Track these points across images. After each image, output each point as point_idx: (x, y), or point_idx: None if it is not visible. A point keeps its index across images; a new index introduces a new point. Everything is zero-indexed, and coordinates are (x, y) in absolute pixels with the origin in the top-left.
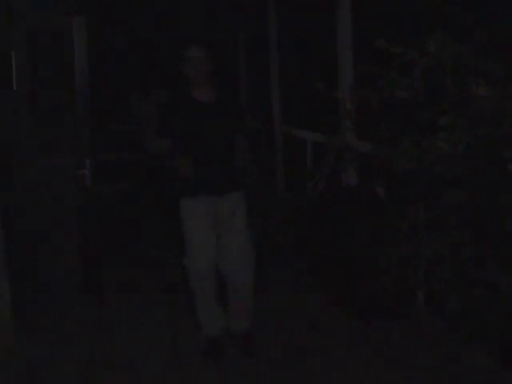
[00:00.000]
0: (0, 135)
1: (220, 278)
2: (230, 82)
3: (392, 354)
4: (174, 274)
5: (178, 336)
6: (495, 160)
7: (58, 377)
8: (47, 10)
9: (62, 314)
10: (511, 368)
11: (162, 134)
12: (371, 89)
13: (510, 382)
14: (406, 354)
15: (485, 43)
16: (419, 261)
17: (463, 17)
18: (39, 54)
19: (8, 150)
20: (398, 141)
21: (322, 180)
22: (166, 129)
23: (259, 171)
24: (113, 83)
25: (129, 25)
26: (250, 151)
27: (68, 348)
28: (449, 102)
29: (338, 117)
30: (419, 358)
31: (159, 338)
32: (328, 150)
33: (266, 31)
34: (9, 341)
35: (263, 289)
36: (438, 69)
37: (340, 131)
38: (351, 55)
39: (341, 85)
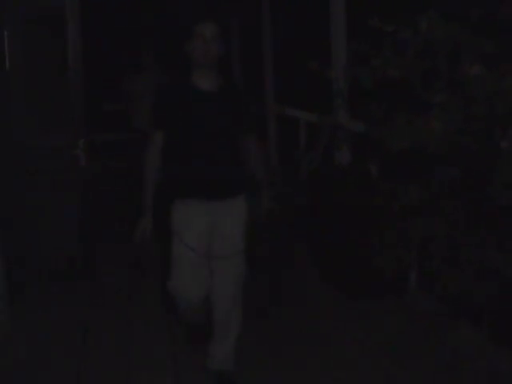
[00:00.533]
0: None
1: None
2: (231, 71)
3: (380, 334)
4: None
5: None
6: (488, 138)
7: (56, 357)
8: None
9: (58, 292)
10: (501, 344)
11: (157, 126)
12: (364, 68)
13: (500, 358)
14: (395, 335)
15: (478, 21)
16: (412, 240)
17: None
18: (32, 33)
19: (4, 130)
20: (390, 120)
21: (316, 159)
22: (160, 119)
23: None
24: (107, 62)
25: (123, 5)
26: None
27: (64, 328)
28: (442, 81)
29: (330, 96)
30: (408, 340)
31: (151, 313)
32: (321, 128)
33: (259, 14)
34: (7, 325)
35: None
36: (431, 48)
37: (333, 110)
38: (344, 34)
39: (334, 64)
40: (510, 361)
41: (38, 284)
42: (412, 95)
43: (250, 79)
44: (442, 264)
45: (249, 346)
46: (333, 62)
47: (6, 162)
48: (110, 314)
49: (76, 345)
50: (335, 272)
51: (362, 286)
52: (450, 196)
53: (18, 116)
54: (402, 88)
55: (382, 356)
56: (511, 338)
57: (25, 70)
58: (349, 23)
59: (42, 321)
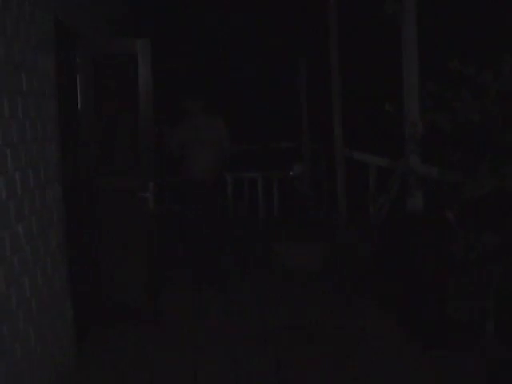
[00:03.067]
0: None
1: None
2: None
3: None
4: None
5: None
6: None
7: None
8: (111, 33)
9: (125, 336)
10: None
11: None
12: (443, 112)
13: None
14: None
15: None
16: (489, 288)
17: None
18: (103, 77)
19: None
20: (471, 166)
21: (386, 204)
22: None
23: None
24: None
25: (189, 49)
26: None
27: (130, 372)
28: None
29: (401, 140)
30: None
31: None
32: (393, 173)
33: (327, 54)
34: (71, 362)
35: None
36: None
37: (405, 154)
38: (417, 76)
39: (408, 107)
40: None
41: (104, 326)
42: (492, 140)
43: (318, 120)
44: None
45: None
46: (406, 104)
47: (76, 201)
48: (175, 355)
49: None
50: (410, 321)
51: (437, 335)
52: None
53: (88, 157)
54: (482, 133)
55: None
56: None
57: (96, 113)
58: (421, 64)
59: (107, 362)
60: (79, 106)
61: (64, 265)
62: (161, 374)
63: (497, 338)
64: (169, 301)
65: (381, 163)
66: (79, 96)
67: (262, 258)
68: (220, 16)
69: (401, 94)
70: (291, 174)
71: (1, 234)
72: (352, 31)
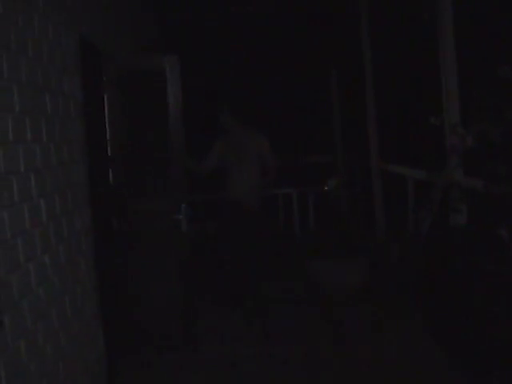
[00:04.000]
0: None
1: None
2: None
3: None
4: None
5: None
6: None
7: None
8: (137, 50)
9: (160, 366)
10: None
11: None
12: (493, 122)
13: None
14: None
15: None
16: None
17: None
18: (131, 95)
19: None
20: None
21: (427, 220)
22: None
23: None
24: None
25: (219, 63)
26: None
27: None
28: None
29: (440, 151)
30: None
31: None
32: (433, 187)
33: (361, 64)
34: None
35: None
36: None
37: (446, 167)
38: (457, 85)
39: (449, 118)
40: None
41: (137, 353)
42: None
43: (352, 133)
44: None
45: None
46: (446, 115)
47: (107, 225)
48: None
49: None
50: (460, 348)
51: (490, 362)
52: None
53: (119, 179)
54: None
55: None
56: None
57: (125, 133)
58: (460, 72)
59: None
60: (107, 126)
61: (95, 293)
62: None
63: None
64: (205, 325)
65: (419, 176)
66: (107, 116)
67: (299, 275)
68: (251, 29)
69: (439, 104)
70: (326, 188)
71: (26, 265)
72: (385, 39)
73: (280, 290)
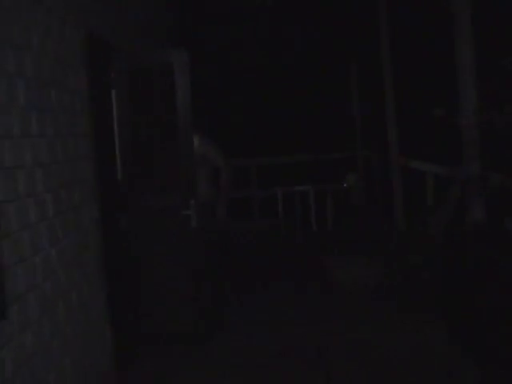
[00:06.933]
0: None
1: None
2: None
3: None
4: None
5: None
6: None
7: None
8: (147, 45)
9: (167, 365)
10: None
11: None
12: (499, 113)
13: None
14: None
15: None
16: None
17: None
18: (140, 90)
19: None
20: None
21: (447, 216)
22: None
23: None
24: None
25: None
26: None
27: None
28: None
29: (459, 146)
30: None
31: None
32: (452, 182)
33: (379, 59)
34: None
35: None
36: None
37: (464, 161)
38: (473, 78)
39: (464, 110)
40: None
41: (150, 352)
42: None
43: (371, 128)
44: None
45: None
46: (462, 107)
47: (115, 220)
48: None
49: None
50: (480, 348)
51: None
52: None
53: (126, 173)
54: None
55: None
56: None
57: (133, 128)
58: (478, 65)
59: None
60: (115, 121)
61: (102, 288)
62: None
63: None
64: (219, 321)
65: (438, 171)
66: (115, 111)
67: (315, 273)
68: (271, 25)
69: (456, 97)
70: (345, 185)
71: (32, 259)
72: (403, 35)
73: (297, 288)
